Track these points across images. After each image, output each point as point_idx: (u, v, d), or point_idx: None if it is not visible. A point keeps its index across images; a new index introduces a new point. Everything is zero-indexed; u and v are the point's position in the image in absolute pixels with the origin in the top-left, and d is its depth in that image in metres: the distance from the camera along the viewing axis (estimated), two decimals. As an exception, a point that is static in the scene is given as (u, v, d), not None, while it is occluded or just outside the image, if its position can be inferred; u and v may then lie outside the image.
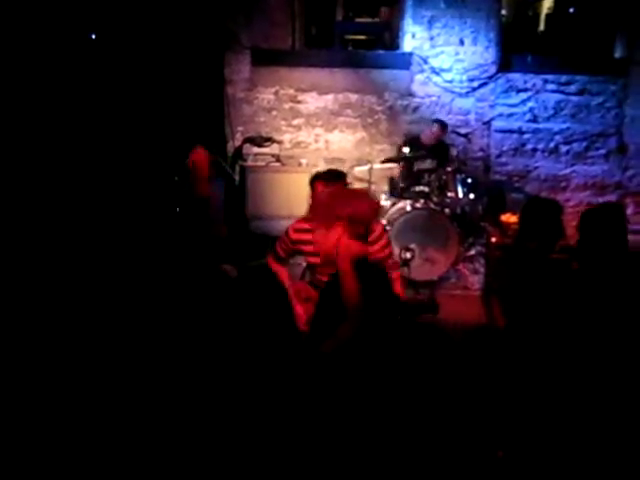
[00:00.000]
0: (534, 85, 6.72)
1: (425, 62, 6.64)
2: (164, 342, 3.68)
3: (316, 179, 3.63)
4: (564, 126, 6.79)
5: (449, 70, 6.66)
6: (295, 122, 6.75)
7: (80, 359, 3.53)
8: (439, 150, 6.13)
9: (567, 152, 6.84)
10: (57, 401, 3.14)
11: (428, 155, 5.98)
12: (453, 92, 6.68)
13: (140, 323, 3.89)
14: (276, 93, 6.70)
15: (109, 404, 3.10)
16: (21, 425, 2.96)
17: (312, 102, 6.72)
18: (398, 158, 6.03)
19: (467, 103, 6.71)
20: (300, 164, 6.14)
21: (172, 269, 4.71)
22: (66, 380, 3.31)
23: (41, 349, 3.63)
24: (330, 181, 3.52)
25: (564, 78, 6.71)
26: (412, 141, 6.14)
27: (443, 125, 6.18)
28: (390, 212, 5.58)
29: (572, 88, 6.73)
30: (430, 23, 6.59)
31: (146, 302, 4.15)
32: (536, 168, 6.86)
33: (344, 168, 6.30)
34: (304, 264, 3.94)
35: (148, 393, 3.19)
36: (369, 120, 6.75)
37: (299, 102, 6.72)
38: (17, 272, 4.40)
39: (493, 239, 5.87)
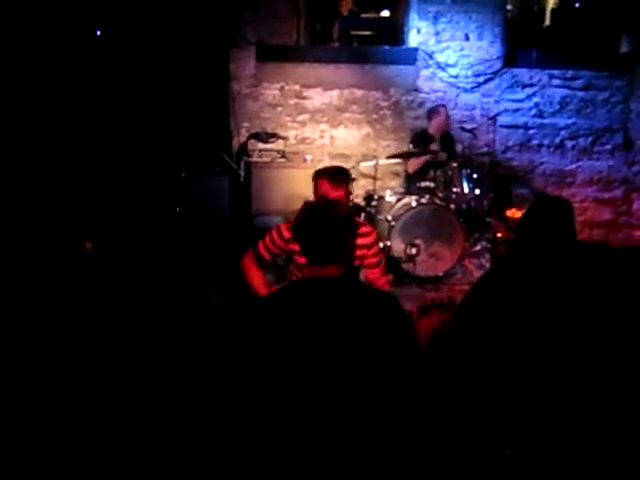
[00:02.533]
0: (539, 80, 6.70)
1: (430, 57, 6.63)
2: (160, 341, 3.68)
3: (319, 176, 3.49)
4: (570, 121, 6.77)
5: (454, 65, 6.65)
6: (300, 118, 6.74)
7: (77, 358, 3.53)
8: (447, 142, 6.13)
9: (573, 147, 6.83)
10: (56, 402, 3.14)
11: (440, 149, 6.00)
12: (458, 87, 6.67)
13: (138, 322, 3.89)
14: (281, 89, 6.69)
15: (107, 404, 3.10)
16: (21, 425, 2.97)
17: (317, 98, 6.71)
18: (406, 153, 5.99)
19: (472, 98, 6.70)
20: (305, 160, 6.13)
21: (171, 269, 4.71)
22: (65, 380, 3.31)
23: (39, 349, 3.63)
24: (334, 179, 3.41)
25: (570, 73, 6.69)
26: (420, 135, 6.12)
27: (445, 107, 6.21)
28: (395, 208, 5.58)
29: (578, 83, 6.71)
30: (435, 18, 6.57)
31: (145, 301, 4.16)
32: (542, 163, 6.85)
33: (349, 164, 6.34)
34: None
35: (145, 393, 3.19)
36: (374, 116, 6.74)
37: (304, 98, 6.72)
38: (16, 272, 4.40)
39: (499, 234, 5.89)
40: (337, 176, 3.45)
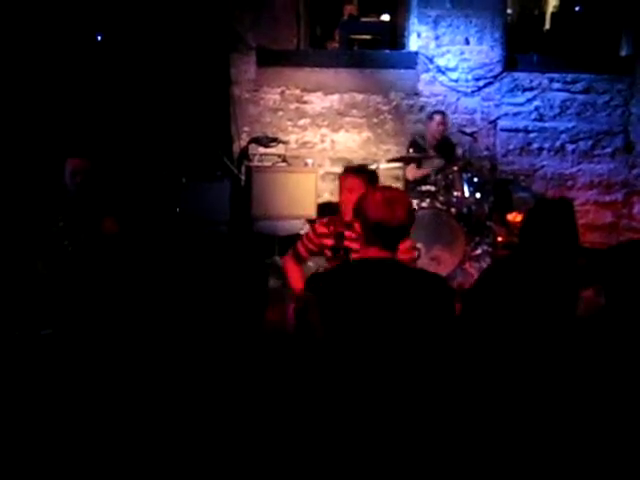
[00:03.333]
0: (540, 84, 6.71)
1: (431, 61, 6.64)
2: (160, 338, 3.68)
3: (353, 173, 3.44)
4: (570, 125, 6.78)
5: (455, 69, 6.66)
6: (301, 122, 6.75)
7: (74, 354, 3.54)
8: (445, 148, 6.13)
9: (573, 151, 6.83)
10: (57, 402, 3.14)
11: (435, 155, 5.99)
12: (459, 91, 6.68)
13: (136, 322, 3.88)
14: (282, 93, 6.70)
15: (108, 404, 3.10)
16: (21, 424, 2.96)
17: (318, 102, 6.72)
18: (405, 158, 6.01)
19: (473, 102, 6.71)
20: (306, 164, 6.14)
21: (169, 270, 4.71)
22: (65, 380, 3.31)
23: (40, 349, 3.64)
24: (371, 179, 3.36)
25: (570, 77, 6.70)
26: (420, 140, 6.13)
27: (444, 114, 6.18)
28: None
29: (578, 87, 6.72)
30: (435, 22, 6.59)
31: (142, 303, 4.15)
32: (542, 167, 6.85)
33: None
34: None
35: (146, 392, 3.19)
36: (375, 120, 6.74)
37: (305, 102, 6.73)
38: (15, 272, 4.40)
39: (499, 238, 5.88)
40: (373, 176, 3.44)
